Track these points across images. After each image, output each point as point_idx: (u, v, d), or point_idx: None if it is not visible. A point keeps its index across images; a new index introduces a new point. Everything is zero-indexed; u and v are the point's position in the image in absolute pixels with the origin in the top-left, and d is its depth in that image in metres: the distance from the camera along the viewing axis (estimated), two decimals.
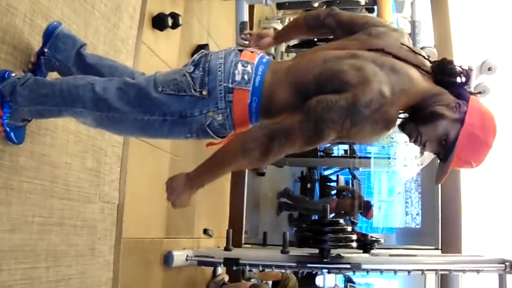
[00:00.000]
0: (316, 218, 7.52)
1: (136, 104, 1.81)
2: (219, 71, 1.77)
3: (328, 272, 4.33)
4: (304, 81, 1.73)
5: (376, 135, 1.65)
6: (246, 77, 1.76)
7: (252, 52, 1.86)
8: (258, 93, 1.76)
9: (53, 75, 2.25)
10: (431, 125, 1.66)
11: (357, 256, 4.10)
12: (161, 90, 1.79)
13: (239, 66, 1.77)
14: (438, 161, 1.75)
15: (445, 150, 1.67)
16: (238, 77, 1.75)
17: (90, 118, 1.88)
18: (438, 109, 1.66)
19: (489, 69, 3.89)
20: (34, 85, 1.95)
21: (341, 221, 3.97)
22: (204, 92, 1.76)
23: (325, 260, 3.56)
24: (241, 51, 1.85)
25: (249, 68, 1.78)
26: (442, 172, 1.70)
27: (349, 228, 3.81)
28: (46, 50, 2.16)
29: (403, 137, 1.96)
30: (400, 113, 1.71)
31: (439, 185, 4.86)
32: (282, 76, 1.78)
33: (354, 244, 3.73)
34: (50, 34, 2.17)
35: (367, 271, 3.68)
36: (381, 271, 3.60)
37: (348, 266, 3.59)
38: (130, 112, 1.81)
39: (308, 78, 1.72)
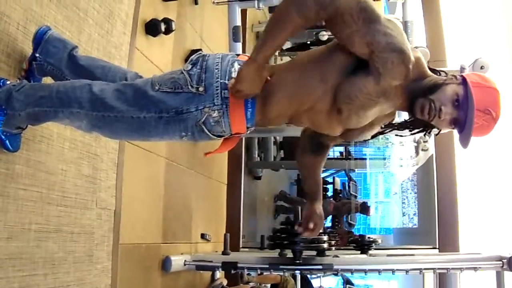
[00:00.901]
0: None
1: (133, 103, 1.81)
2: (216, 69, 1.79)
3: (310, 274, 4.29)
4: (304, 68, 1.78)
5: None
6: None
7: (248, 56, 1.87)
8: None
9: (46, 81, 2.26)
10: (440, 91, 1.72)
11: (355, 257, 4.11)
12: (158, 89, 1.81)
13: (236, 65, 1.80)
14: (457, 133, 1.77)
15: (461, 111, 1.70)
16: (234, 74, 1.77)
17: (86, 119, 1.87)
18: (439, 79, 1.76)
19: (482, 67, 3.90)
20: (30, 89, 1.96)
21: None
22: (201, 89, 1.77)
23: (297, 261, 3.56)
24: (238, 55, 1.88)
25: None
26: (468, 132, 1.70)
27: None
28: (37, 55, 2.17)
29: (398, 138, 1.98)
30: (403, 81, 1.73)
31: (435, 185, 4.89)
32: (279, 74, 1.82)
33: (325, 245, 3.73)
34: (40, 39, 2.18)
35: (352, 271, 3.69)
36: (379, 271, 3.60)
37: (320, 267, 3.58)
38: (126, 110, 1.81)
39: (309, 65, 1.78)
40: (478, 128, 1.69)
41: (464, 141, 1.73)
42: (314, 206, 2.21)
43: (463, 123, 1.70)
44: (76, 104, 1.85)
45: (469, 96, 1.67)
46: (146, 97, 1.81)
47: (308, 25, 1.68)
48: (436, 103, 1.70)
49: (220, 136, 1.85)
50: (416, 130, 1.94)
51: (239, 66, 1.78)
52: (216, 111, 1.77)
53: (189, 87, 1.78)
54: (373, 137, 2.04)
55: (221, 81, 1.77)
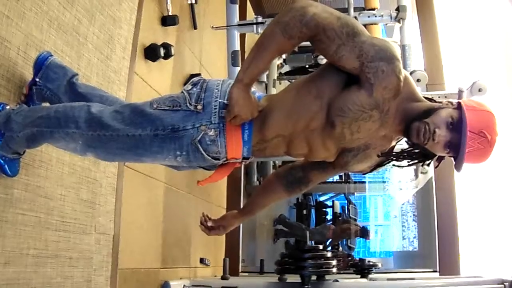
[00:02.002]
0: (313, 244, 7.49)
1: (129, 122, 1.81)
2: (216, 89, 1.80)
3: None
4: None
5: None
6: None
7: None
8: None
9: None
10: (435, 115, 1.73)
11: (355, 281, 4.08)
12: (156, 107, 1.82)
13: None
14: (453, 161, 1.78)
15: (455, 133, 1.71)
16: None
17: (81, 139, 1.86)
18: (435, 105, 1.78)
19: (480, 90, 3.92)
20: (29, 112, 1.97)
21: (321, 247, 3.94)
22: (199, 107, 1.78)
23: (306, 286, 3.54)
24: None
25: None
26: (462, 155, 1.70)
27: (329, 254, 3.78)
28: (37, 79, 2.19)
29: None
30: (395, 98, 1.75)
31: (435, 208, 4.88)
32: (276, 97, 1.87)
33: (335, 270, 3.71)
34: (41, 64, 2.20)
35: None
36: None
37: None
38: (122, 129, 1.80)
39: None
40: (474, 152, 1.69)
41: (458, 165, 1.73)
42: (236, 219, 2.18)
43: (458, 146, 1.70)
44: (73, 124, 1.85)
45: (463, 118, 1.68)
46: (143, 115, 1.81)
47: (294, 45, 1.71)
48: (431, 126, 1.71)
49: (215, 159, 1.83)
50: (414, 161, 1.93)
51: None
52: (212, 130, 1.76)
53: (188, 105, 1.79)
54: (371, 170, 2.01)
55: (220, 100, 1.78)
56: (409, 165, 1.97)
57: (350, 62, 1.69)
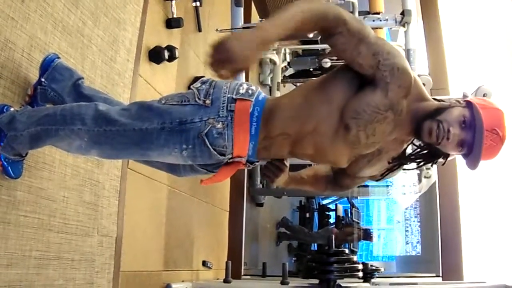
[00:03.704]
0: (316, 247, 7.48)
1: (136, 117, 1.82)
2: (225, 86, 1.83)
3: None
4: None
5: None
6: (250, 91, 1.82)
7: None
8: (261, 105, 1.81)
9: None
10: (446, 113, 1.74)
11: (358, 285, 4.06)
12: (165, 102, 1.84)
13: (244, 85, 1.85)
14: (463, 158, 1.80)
15: (468, 132, 1.72)
16: (242, 91, 1.82)
17: (87, 136, 1.85)
18: (444, 104, 1.80)
19: (484, 95, 3.91)
20: (33, 111, 1.98)
21: (346, 250, 3.95)
22: (207, 101, 1.79)
23: None
24: None
25: (253, 87, 1.85)
26: (477, 153, 1.72)
27: (355, 258, 3.79)
28: (43, 80, 2.19)
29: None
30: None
31: (438, 212, 4.86)
32: (286, 96, 1.90)
33: (360, 274, 3.70)
34: (47, 66, 2.20)
35: None
36: None
37: None
38: (129, 123, 1.81)
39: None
40: (486, 149, 1.71)
41: (473, 162, 1.74)
42: (290, 174, 2.11)
43: (471, 144, 1.72)
44: (79, 121, 1.85)
45: (477, 116, 1.70)
46: (151, 109, 1.82)
47: (312, 28, 1.74)
48: (444, 124, 1.71)
49: (221, 154, 1.82)
50: (423, 163, 1.94)
51: (247, 86, 1.84)
52: (220, 123, 1.77)
53: (196, 99, 1.80)
54: (382, 175, 2.00)
55: (229, 95, 1.80)
56: (418, 167, 1.98)
57: (367, 60, 1.70)
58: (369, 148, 1.81)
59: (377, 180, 2.06)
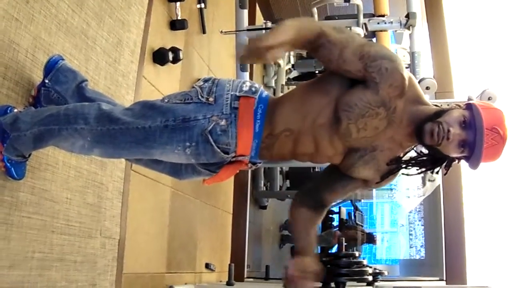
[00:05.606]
0: (319, 250, 7.47)
1: (140, 115, 1.83)
2: (228, 84, 1.85)
3: None
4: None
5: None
6: (253, 89, 1.85)
7: None
8: (265, 102, 1.84)
9: None
10: (446, 115, 1.75)
11: None
12: (168, 101, 1.85)
13: (247, 83, 1.87)
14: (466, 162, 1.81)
15: (469, 131, 1.73)
16: (246, 88, 1.84)
17: (90, 135, 1.86)
18: (444, 108, 1.81)
19: (489, 98, 3.89)
20: (36, 112, 1.99)
21: (357, 253, 3.94)
22: (211, 99, 1.81)
23: None
24: None
25: (256, 85, 1.88)
26: (478, 152, 1.72)
27: (365, 261, 3.78)
28: (47, 81, 2.18)
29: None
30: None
31: (442, 216, 4.84)
32: (287, 94, 1.97)
33: (370, 278, 3.69)
34: (51, 67, 2.20)
35: None
36: None
37: None
38: (132, 122, 1.82)
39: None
40: (488, 149, 1.71)
41: (475, 162, 1.75)
42: (304, 260, 1.93)
43: (472, 144, 1.72)
44: (82, 120, 1.85)
45: (476, 116, 1.71)
46: (154, 108, 1.83)
47: (302, 42, 1.80)
48: (444, 125, 1.72)
49: (224, 152, 1.82)
50: (423, 169, 1.93)
51: (250, 84, 1.86)
52: (224, 120, 1.78)
53: (199, 97, 1.82)
54: (382, 178, 1.97)
55: (232, 93, 1.82)
56: (418, 173, 1.97)
57: (354, 65, 1.74)
58: (361, 142, 1.81)
59: (376, 183, 2.02)
